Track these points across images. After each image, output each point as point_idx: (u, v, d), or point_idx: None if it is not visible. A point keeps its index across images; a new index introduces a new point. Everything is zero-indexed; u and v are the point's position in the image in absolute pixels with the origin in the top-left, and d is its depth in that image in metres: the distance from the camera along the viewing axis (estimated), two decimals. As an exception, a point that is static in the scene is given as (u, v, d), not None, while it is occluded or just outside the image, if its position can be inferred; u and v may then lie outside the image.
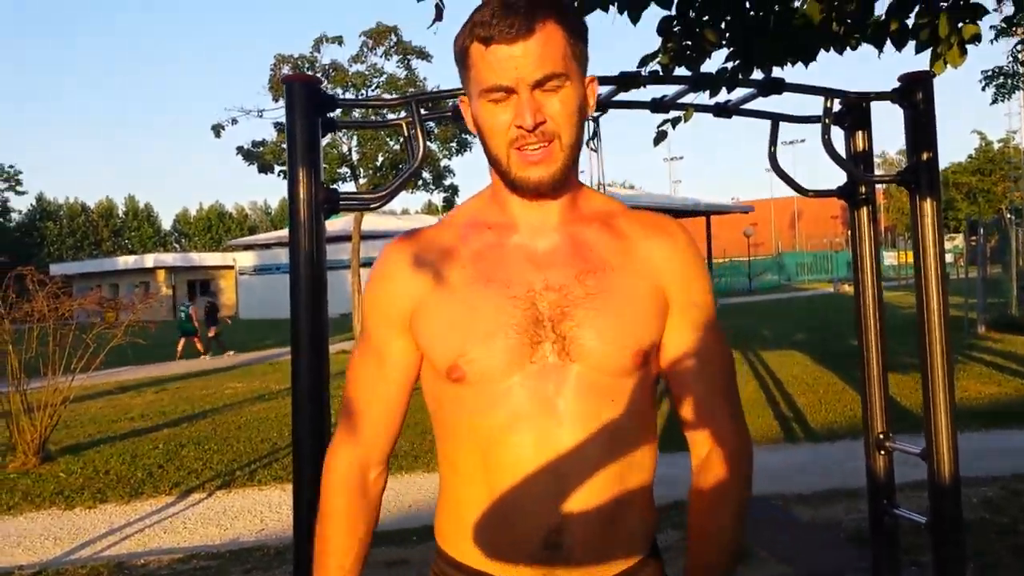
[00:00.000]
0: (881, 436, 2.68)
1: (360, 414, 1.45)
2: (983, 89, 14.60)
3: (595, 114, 2.52)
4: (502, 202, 1.40)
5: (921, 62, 2.93)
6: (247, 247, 51.15)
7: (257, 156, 24.75)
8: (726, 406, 1.46)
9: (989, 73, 14.30)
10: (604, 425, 1.32)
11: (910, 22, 2.95)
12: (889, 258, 45.10)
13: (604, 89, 2.44)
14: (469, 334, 1.32)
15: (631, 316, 1.35)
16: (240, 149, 25.12)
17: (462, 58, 1.33)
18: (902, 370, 8.56)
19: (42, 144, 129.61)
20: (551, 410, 1.30)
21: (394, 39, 23.53)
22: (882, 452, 2.68)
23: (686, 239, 1.45)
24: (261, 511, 6.29)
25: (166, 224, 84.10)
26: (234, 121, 23.69)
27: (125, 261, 50.48)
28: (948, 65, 2.86)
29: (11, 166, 70.58)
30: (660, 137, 3.11)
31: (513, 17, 1.24)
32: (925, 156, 2.42)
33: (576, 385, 1.31)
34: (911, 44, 2.97)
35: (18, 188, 70.53)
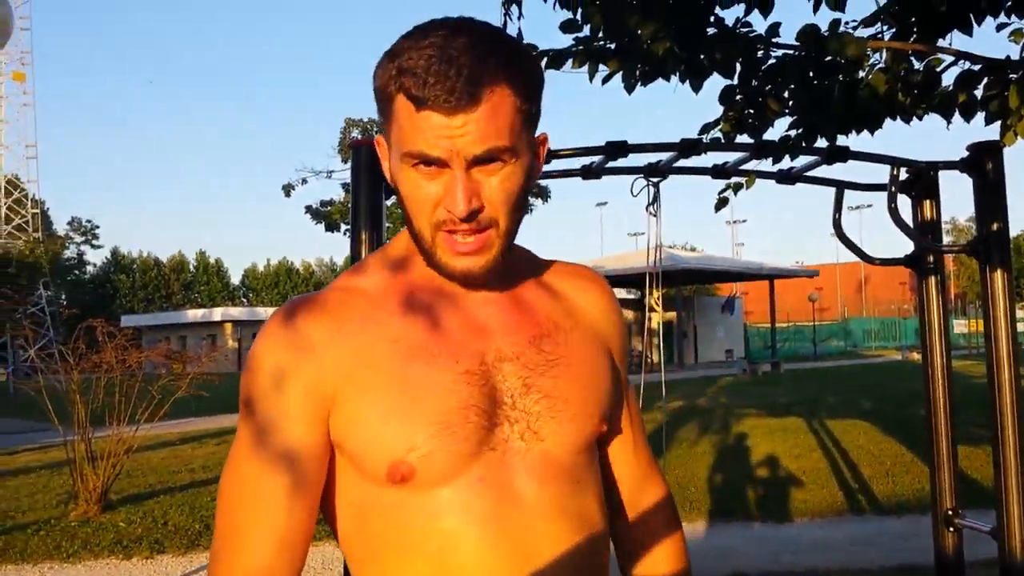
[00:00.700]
0: (950, 512, 2.59)
1: (256, 540, 1.07)
2: (1057, 156, 14.31)
3: (655, 180, 2.52)
4: (422, 266, 1.14)
5: (992, 130, 2.90)
6: (311, 303, 51.89)
7: (325, 215, 25.29)
8: (655, 460, 1.38)
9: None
10: (576, 514, 1.12)
11: (978, 93, 2.93)
12: (959, 326, 44.03)
13: (665, 155, 2.46)
14: (419, 422, 1.05)
15: (595, 381, 1.19)
16: (309, 208, 25.70)
17: (384, 101, 1.06)
18: (973, 443, 8.28)
19: (119, 200, 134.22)
20: (519, 504, 1.08)
21: (460, 102, 24.11)
22: (951, 529, 2.59)
23: (611, 290, 1.32)
24: (313, 567, 6.27)
25: (235, 279, 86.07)
26: (304, 181, 24.35)
27: (194, 314, 51.68)
28: (1019, 137, 2.82)
29: (88, 221, 73.19)
30: (721, 204, 3.10)
31: (455, 79, 0.98)
32: (995, 226, 2.38)
33: (543, 470, 1.10)
34: (980, 115, 2.94)
35: (94, 242, 73.15)
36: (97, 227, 73.75)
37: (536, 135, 1.12)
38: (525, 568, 1.07)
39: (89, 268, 75.37)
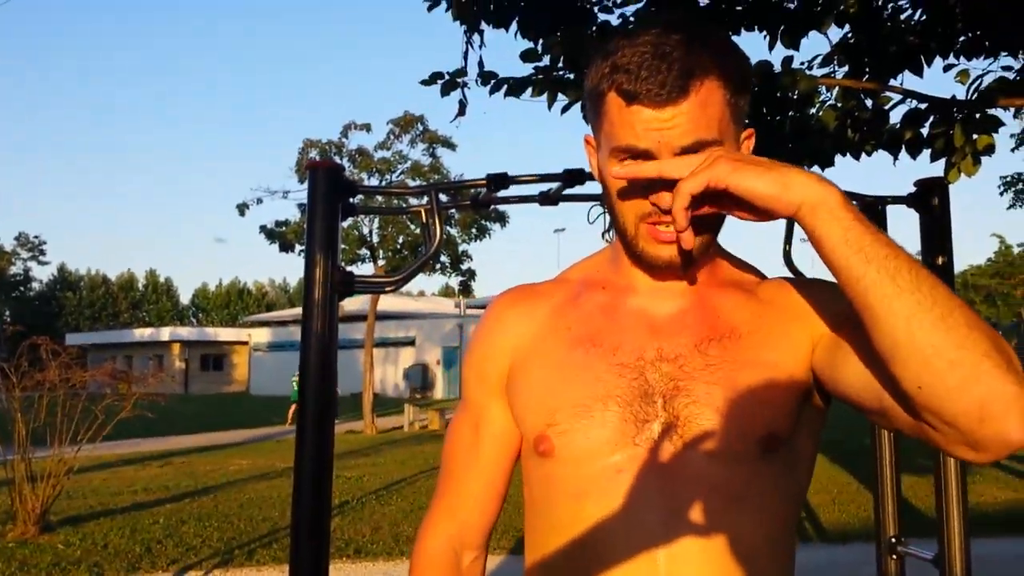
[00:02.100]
0: (893, 540, 2.62)
1: (455, 487, 1.27)
2: (1001, 195, 14.70)
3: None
4: (623, 262, 1.18)
5: (938, 167, 2.96)
6: (263, 323, 51.35)
7: (279, 235, 25.06)
8: None
9: (1008, 179, 14.43)
10: (724, 532, 1.06)
11: (925, 131, 3.00)
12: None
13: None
14: (563, 401, 1.12)
15: (759, 391, 1.09)
16: (263, 228, 25.43)
17: (595, 100, 1.09)
18: (917, 472, 8.42)
19: (68, 216, 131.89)
20: (657, 506, 1.06)
21: (420, 128, 24.10)
22: (894, 556, 2.62)
23: (827, 282, 1.12)
24: None
25: (185, 298, 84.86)
26: (259, 201, 24.16)
27: (141, 333, 50.85)
28: (962, 174, 2.90)
29: (36, 236, 71.66)
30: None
31: (666, 73, 1.00)
32: (940, 260, 2.42)
33: (691, 477, 1.06)
34: (926, 152, 3.01)
35: (41, 258, 71.61)
36: (44, 243, 72.11)
37: (743, 130, 1.13)
38: (656, 572, 1.05)
39: (35, 284, 73.85)
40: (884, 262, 0.92)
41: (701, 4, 3.24)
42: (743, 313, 1.16)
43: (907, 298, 0.90)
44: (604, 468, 1.09)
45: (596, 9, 3.49)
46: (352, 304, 32.21)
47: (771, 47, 3.07)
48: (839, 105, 3.08)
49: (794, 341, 1.13)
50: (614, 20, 3.48)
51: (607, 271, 1.23)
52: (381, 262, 23.80)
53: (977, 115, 2.88)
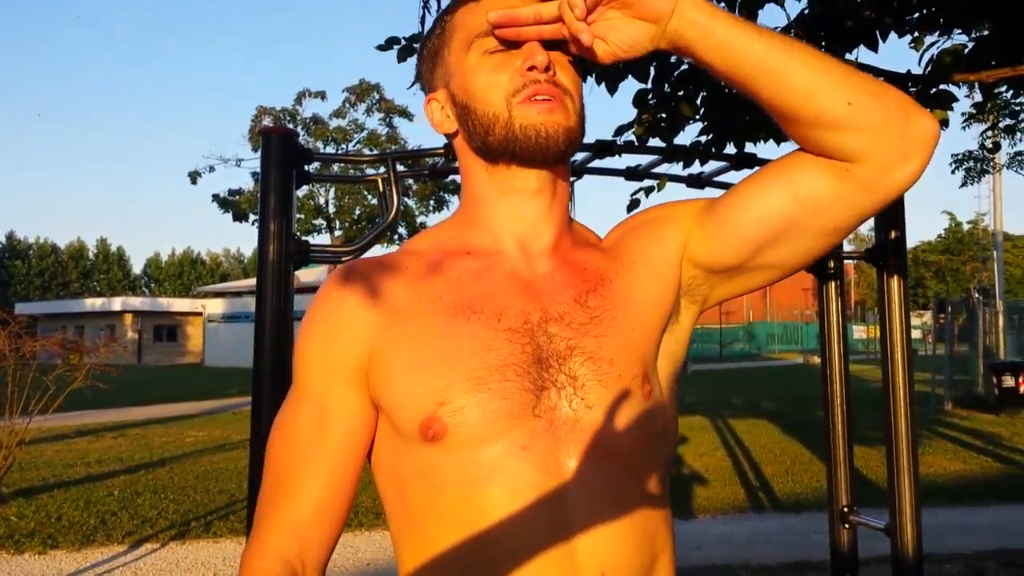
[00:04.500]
0: (845, 509, 2.67)
1: (293, 495, 1.06)
2: (953, 172, 14.88)
3: (571, 179, 2.53)
4: (481, 223, 1.13)
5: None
6: (217, 294, 50.72)
7: (233, 204, 24.74)
8: None
9: (959, 157, 14.61)
10: (629, 499, 1.03)
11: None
12: (859, 332, 45.56)
13: (580, 155, 2.47)
14: (454, 375, 1.00)
15: (639, 333, 1.09)
16: (216, 197, 25.08)
17: (439, 48, 1.14)
18: (869, 443, 8.58)
19: (15, 183, 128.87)
20: (566, 480, 1.00)
21: (376, 96, 23.86)
22: (846, 525, 2.67)
23: (663, 204, 1.24)
24: (215, 563, 6.14)
25: (137, 268, 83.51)
26: (211, 169, 23.83)
27: (92, 303, 49.85)
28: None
29: (-17, 203, 69.88)
30: (633, 205, 3.13)
31: None
32: (893, 235, 2.46)
33: (595, 442, 1.01)
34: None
35: (-11, 225, 69.89)
36: (-8, 210, 70.40)
37: None
38: (569, 555, 0.99)
39: (-18, 253, 72.17)
40: (772, 35, 1.00)
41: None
42: (603, 259, 1.16)
43: (810, 51, 1.00)
44: (503, 447, 0.99)
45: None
46: (309, 276, 31.93)
47: (730, 19, 3.06)
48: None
49: (657, 262, 1.16)
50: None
51: (464, 238, 1.14)
52: (338, 233, 23.61)
53: (932, 90, 2.90)
